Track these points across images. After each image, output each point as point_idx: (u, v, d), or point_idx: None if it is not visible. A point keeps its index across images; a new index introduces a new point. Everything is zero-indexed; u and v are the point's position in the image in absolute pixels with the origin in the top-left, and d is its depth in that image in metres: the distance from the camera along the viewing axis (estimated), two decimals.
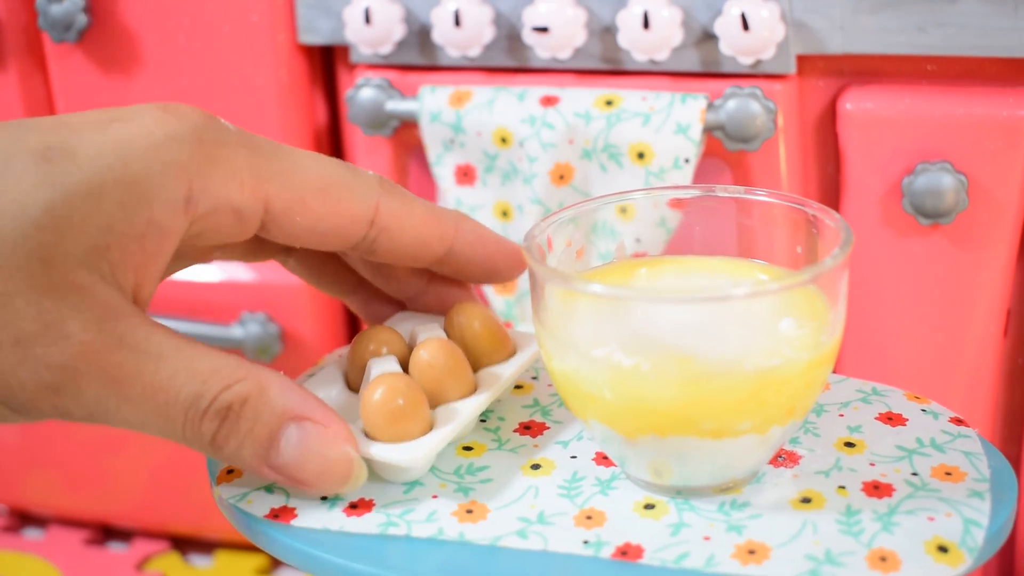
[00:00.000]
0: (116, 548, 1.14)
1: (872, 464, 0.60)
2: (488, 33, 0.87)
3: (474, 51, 0.88)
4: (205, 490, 1.04)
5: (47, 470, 1.10)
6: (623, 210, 0.64)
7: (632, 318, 0.56)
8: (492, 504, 0.59)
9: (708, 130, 0.83)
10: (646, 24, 0.83)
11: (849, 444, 0.62)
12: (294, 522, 0.58)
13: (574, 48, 0.86)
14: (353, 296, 0.70)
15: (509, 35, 0.88)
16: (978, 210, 0.82)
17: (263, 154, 0.59)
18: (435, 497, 0.59)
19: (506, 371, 0.64)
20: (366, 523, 0.58)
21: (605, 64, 0.87)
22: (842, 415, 0.64)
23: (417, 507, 0.59)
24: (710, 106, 0.83)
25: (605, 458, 0.62)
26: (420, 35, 0.89)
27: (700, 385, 0.54)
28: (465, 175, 0.89)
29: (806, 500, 0.58)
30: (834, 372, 0.84)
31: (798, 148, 0.87)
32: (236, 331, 0.98)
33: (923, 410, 0.64)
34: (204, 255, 0.64)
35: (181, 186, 0.55)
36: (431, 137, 0.88)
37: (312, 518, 0.59)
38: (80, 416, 0.54)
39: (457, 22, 0.87)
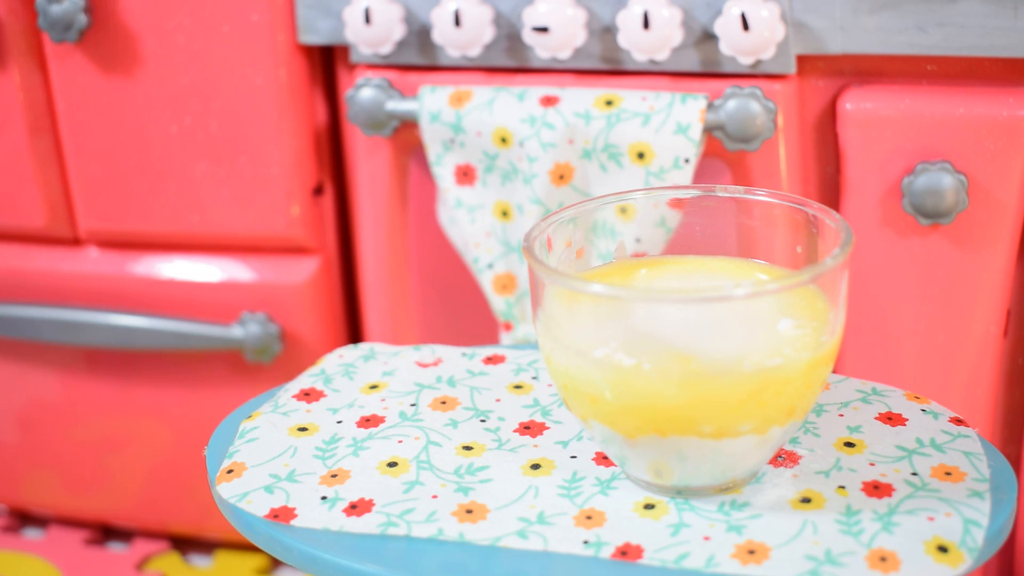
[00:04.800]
0: (116, 548, 1.14)
1: (872, 464, 0.60)
2: (488, 33, 0.87)
3: (474, 51, 0.88)
4: (205, 490, 1.04)
5: (47, 470, 1.10)
6: (623, 210, 0.64)
7: (632, 318, 0.56)
8: (492, 504, 0.59)
9: (708, 130, 0.83)
10: (646, 24, 0.83)
11: (849, 444, 0.62)
12: (294, 522, 0.58)
13: (574, 48, 0.86)
14: None
15: (509, 35, 0.88)
16: (978, 210, 0.82)
17: None
18: (435, 497, 0.59)
19: None
20: (366, 523, 0.58)
21: (605, 64, 0.87)
22: (842, 415, 0.64)
23: (417, 507, 0.59)
24: (710, 106, 0.83)
25: (605, 458, 0.62)
26: (420, 35, 0.89)
27: (701, 385, 0.54)
28: (465, 175, 0.89)
29: (806, 500, 0.58)
30: (834, 372, 0.84)
31: (798, 148, 0.87)
32: (236, 331, 0.98)
33: (923, 410, 0.64)
34: None
35: None
36: (431, 137, 0.88)
37: (312, 518, 0.59)
38: None
39: (457, 22, 0.87)
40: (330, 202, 0.99)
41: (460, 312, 0.98)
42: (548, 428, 0.65)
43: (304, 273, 0.98)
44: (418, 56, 0.90)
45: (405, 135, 0.91)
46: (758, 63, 0.83)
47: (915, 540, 0.55)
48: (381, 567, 0.56)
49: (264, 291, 0.99)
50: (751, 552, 0.55)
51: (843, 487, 0.58)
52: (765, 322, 0.56)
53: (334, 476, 0.61)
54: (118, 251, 1.02)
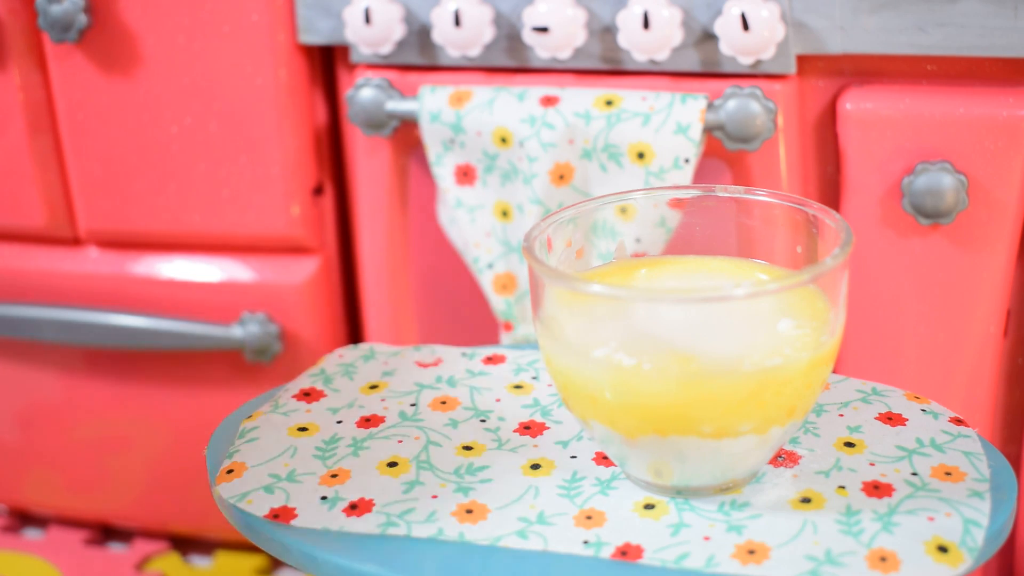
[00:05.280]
0: (116, 548, 1.14)
1: (872, 464, 0.60)
2: (488, 33, 0.87)
3: (474, 51, 0.88)
4: (205, 490, 1.04)
5: (47, 470, 1.10)
6: (623, 210, 0.64)
7: (632, 318, 0.56)
8: (492, 504, 0.59)
9: (708, 130, 0.83)
10: (646, 24, 0.83)
11: (849, 444, 0.62)
12: (294, 522, 0.58)
13: (574, 48, 0.86)
14: None
15: (509, 35, 0.88)
16: (978, 210, 0.82)
17: None
18: (435, 497, 0.59)
19: None
20: (366, 523, 0.58)
21: (605, 64, 0.87)
22: (842, 415, 0.64)
23: (417, 507, 0.59)
24: (710, 106, 0.83)
25: (605, 458, 0.62)
26: (420, 35, 0.89)
27: (701, 385, 0.54)
28: (465, 175, 0.89)
29: (806, 500, 0.58)
30: (834, 372, 0.84)
31: (798, 148, 0.87)
32: (236, 331, 0.98)
33: (923, 410, 0.64)
34: None
35: None
36: (431, 137, 0.88)
37: (312, 518, 0.59)
38: None
39: (457, 22, 0.87)
40: (330, 202, 0.99)
41: (460, 312, 0.98)
42: (548, 428, 0.65)
43: (304, 273, 0.98)
44: (418, 56, 0.90)
45: (405, 135, 0.91)
46: (758, 63, 0.83)
47: (915, 540, 0.55)
48: (381, 567, 0.56)
49: (264, 291, 0.99)
50: (751, 552, 0.55)
51: (843, 487, 0.58)
52: (765, 322, 0.56)
53: (334, 476, 0.61)
54: (118, 251, 1.02)
